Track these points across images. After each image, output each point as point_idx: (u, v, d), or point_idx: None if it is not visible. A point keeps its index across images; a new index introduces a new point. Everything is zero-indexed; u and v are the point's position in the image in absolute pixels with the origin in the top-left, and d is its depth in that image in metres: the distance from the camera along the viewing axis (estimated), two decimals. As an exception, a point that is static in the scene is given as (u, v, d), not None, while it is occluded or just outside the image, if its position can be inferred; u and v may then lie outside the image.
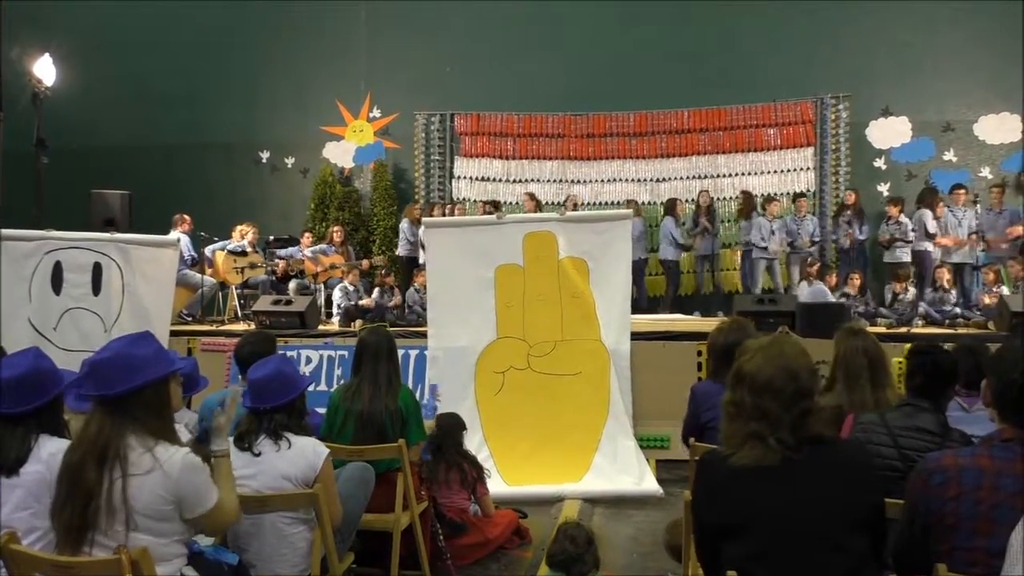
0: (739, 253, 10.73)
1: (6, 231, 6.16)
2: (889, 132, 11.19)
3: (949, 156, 11.01)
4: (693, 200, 11.10)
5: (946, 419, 2.82)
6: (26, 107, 9.60)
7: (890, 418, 2.73)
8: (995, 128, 10.84)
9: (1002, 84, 10.72)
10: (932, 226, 9.22)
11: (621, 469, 5.80)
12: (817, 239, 10.15)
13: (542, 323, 6.13)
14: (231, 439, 2.93)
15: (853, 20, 11.14)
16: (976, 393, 3.50)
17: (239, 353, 4.02)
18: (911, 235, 9.18)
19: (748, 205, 10.38)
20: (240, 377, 3.86)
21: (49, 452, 2.50)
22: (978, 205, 9.53)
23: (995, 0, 10.62)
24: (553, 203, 11.47)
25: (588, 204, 11.35)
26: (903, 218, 9.26)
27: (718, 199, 11.10)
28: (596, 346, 6.11)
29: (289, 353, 6.85)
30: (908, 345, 4.22)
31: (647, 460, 6.04)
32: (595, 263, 6.19)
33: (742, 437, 2.05)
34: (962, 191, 9.55)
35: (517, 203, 11.32)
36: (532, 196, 10.84)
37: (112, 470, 2.31)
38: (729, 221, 10.95)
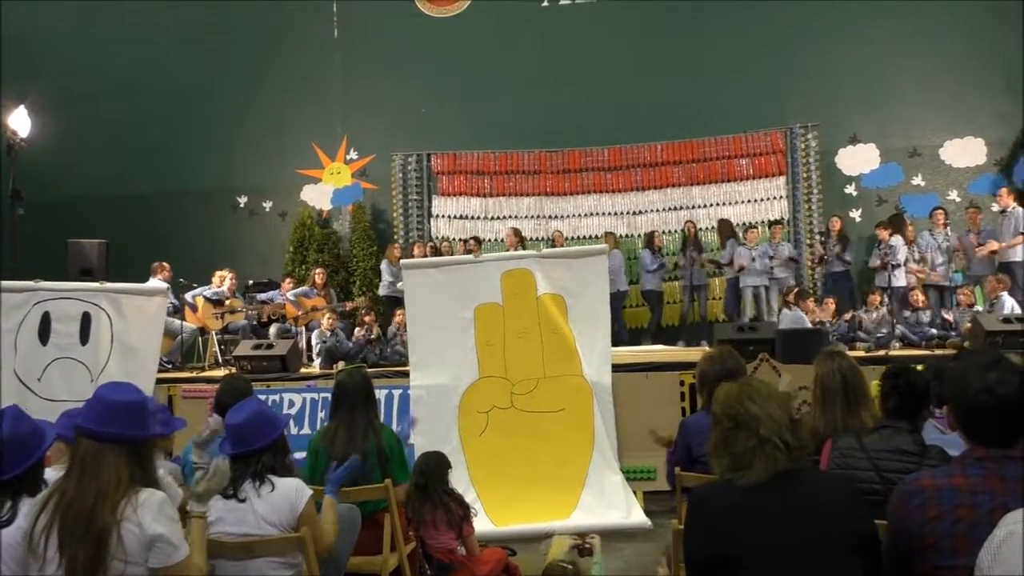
0: (718, 282, 10.82)
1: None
2: (858, 159, 11.44)
3: (917, 181, 11.24)
4: (670, 232, 11.25)
5: (923, 438, 2.84)
6: (1, 159, 9.58)
7: (868, 441, 2.74)
8: (960, 152, 11.11)
9: (964, 109, 11.04)
10: (903, 252, 9.32)
11: (609, 504, 5.76)
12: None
13: (524, 361, 6.10)
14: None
15: (818, 51, 11.43)
16: None
17: (220, 400, 3.99)
18: (900, 258, 9.21)
19: (726, 230, 10.50)
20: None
21: (25, 515, 2.41)
22: (948, 228, 9.68)
23: (954, 29, 10.96)
24: (532, 239, 11.54)
25: (567, 239, 11.40)
26: (894, 240, 9.30)
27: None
28: (578, 381, 6.09)
29: (272, 397, 6.80)
30: (885, 368, 4.24)
31: (634, 492, 6.01)
32: (573, 299, 6.19)
33: (751, 450, 2.08)
34: (941, 214, 9.67)
35: (498, 240, 11.39)
36: (516, 232, 10.87)
37: (117, 514, 2.28)
38: (713, 250, 11.05)
